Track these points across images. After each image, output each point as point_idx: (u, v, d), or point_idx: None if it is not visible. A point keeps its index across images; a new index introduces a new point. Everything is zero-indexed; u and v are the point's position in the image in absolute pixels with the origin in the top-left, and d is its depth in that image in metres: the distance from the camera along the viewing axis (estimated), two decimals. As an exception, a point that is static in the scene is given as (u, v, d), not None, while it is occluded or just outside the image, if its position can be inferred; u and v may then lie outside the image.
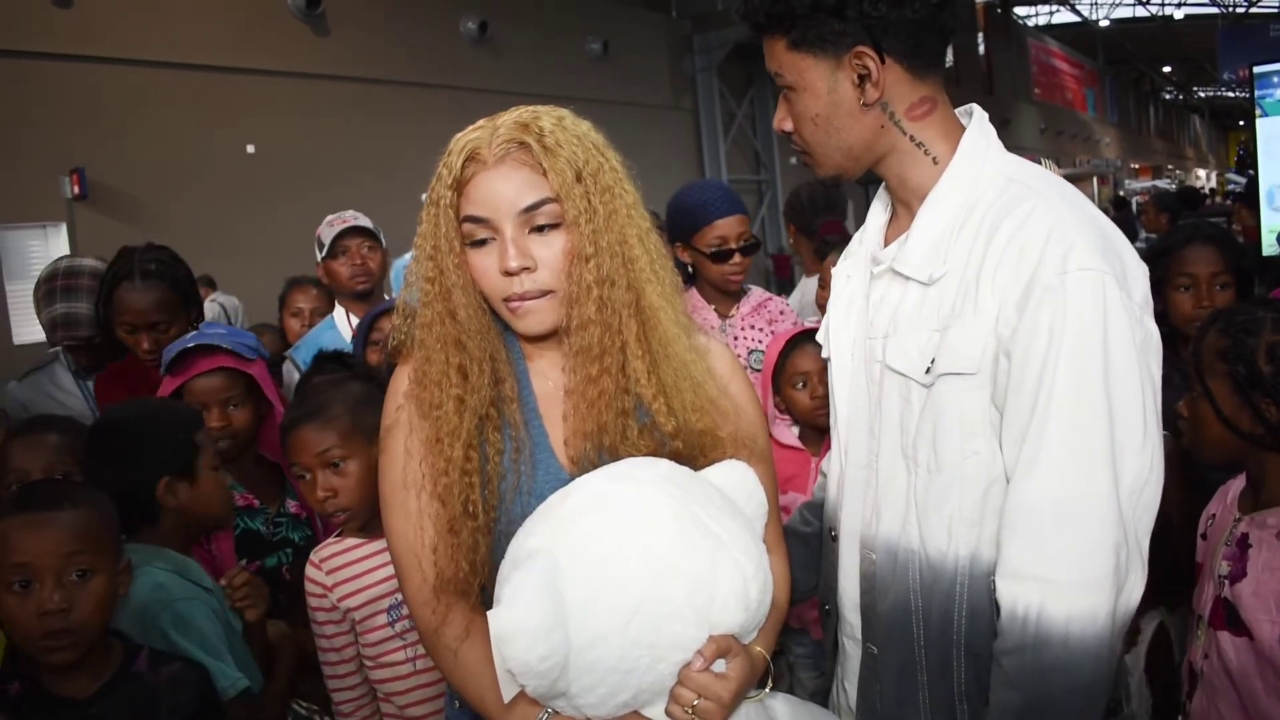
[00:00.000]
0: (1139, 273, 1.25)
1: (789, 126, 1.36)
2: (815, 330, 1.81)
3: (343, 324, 3.14)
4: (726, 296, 2.75)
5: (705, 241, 2.63)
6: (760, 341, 2.72)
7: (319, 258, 3.16)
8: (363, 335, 2.70)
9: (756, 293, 2.83)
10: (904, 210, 1.39)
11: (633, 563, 1.13)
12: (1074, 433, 1.17)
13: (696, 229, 2.64)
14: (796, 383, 2.38)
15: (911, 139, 1.32)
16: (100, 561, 1.50)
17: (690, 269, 2.72)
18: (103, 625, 1.51)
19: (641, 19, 15.06)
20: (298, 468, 1.90)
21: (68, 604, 1.45)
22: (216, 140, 9.62)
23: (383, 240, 3.21)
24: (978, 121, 1.35)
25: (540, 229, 1.24)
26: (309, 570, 1.88)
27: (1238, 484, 1.81)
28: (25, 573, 1.45)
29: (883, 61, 1.27)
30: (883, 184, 1.42)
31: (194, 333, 2.31)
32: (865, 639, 1.40)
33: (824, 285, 3.15)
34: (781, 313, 2.79)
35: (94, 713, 1.47)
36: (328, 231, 3.13)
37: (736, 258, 2.64)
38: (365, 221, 3.15)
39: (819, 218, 3.96)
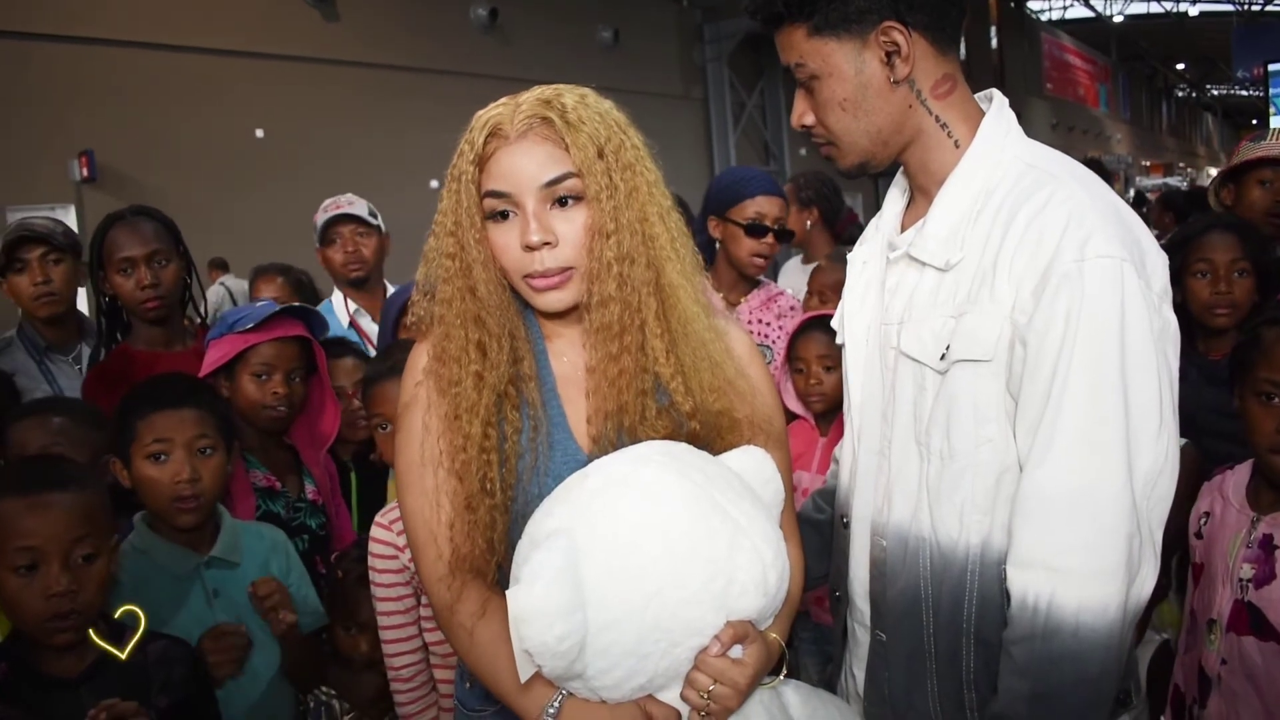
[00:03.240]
0: (1158, 261, 1.23)
1: (810, 120, 1.35)
2: (827, 316, 1.80)
3: (340, 309, 3.09)
4: (740, 283, 2.73)
5: (743, 214, 2.63)
6: (766, 336, 2.70)
7: (316, 244, 3.11)
8: (394, 318, 2.66)
9: (768, 286, 2.82)
10: (922, 196, 1.38)
11: (652, 547, 1.12)
12: (1089, 421, 1.16)
13: (736, 201, 2.65)
14: (798, 366, 2.40)
15: (936, 119, 1.31)
16: (102, 543, 1.51)
17: (715, 246, 2.71)
18: (102, 605, 1.51)
19: (652, 7, 15.01)
20: (379, 419, 2.00)
21: (75, 586, 1.45)
22: (225, 124, 9.62)
23: (380, 225, 3.14)
24: (998, 106, 1.34)
25: (562, 204, 1.24)
26: (376, 532, 1.91)
27: (1232, 479, 1.77)
28: (32, 555, 1.44)
29: (909, 35, 1.26)
30: (900, 170, 1.41)
31: (267, 302, 2.29)
32: (874, 626, 1.40)
33: (813, 293, 3.12)
34: (792, 308, 2.77)
35: (84, 691, 1.46)
36: (321, 217, 3.06)
37: (769, 238, 2.64)
38: (359, 208, 3.07)
39: (845, 206, 3.89)
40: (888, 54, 1.26)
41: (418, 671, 1.90)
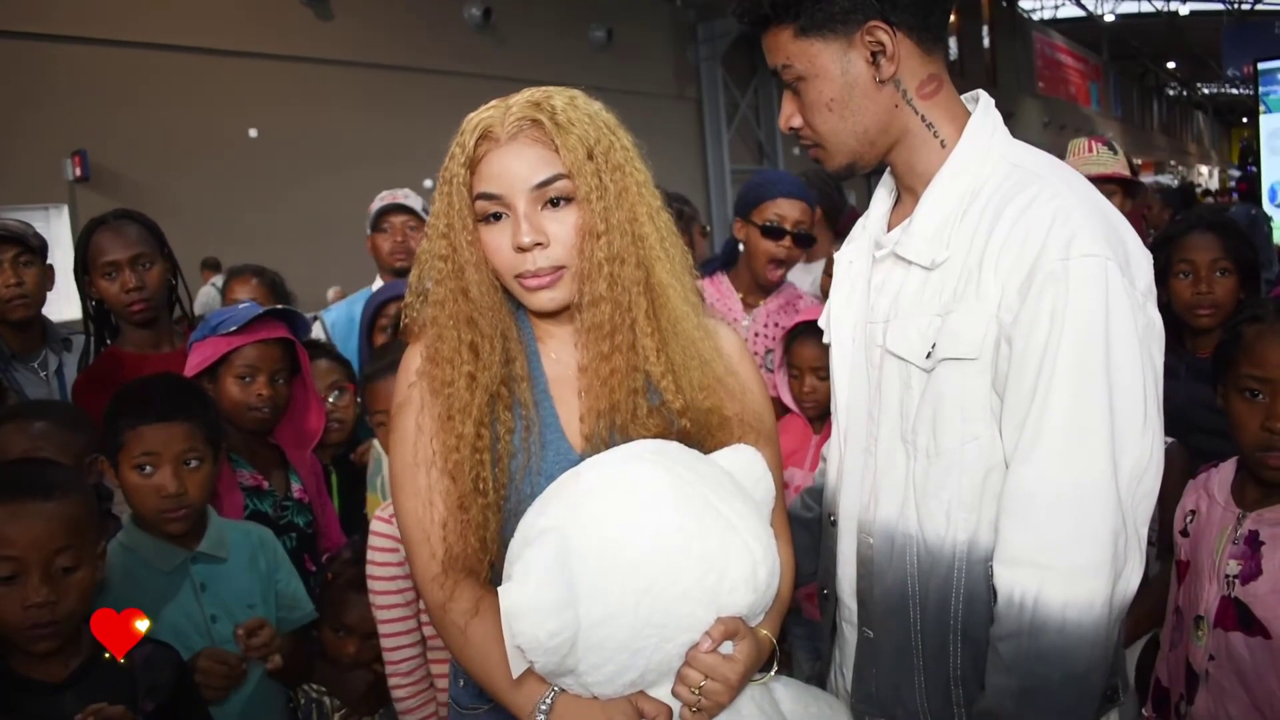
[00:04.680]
0: (1143, 260, 1.24)
1: (797, 122, 1.36)
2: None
3: None
4: (758, 288, 2.71)
5: (763, 215, 2.62)
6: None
7: (368, 231, 3.28)
8: (369, 319, 2.70)
9: (789, 288, 2.79)
10: (909, 196, 1.39)
11: (644, 544, 1.13)
12: (1074, 419, 1.17)
13: (757, 203, 2.64)
14: (793, 372, 2.41)
15: (923, 119, 1.32)
16: (85, 553, 1.48)
17: (739, 248, 2.70)
18: (85, 614, 1.49)
19: (646, 7, 15.02)
20: (380, 415, 2.02)
21: (55, 596, 1.42)
22: (219, 124, 9.61)
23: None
24: (984, 106, 1.35)
25: (553, 205, 1.25)
26: (377, 526, 1.91)
27: (1217, 476, 1.78)
28: (12, 565, 1.41)
29: (894, 34, 1.27)
30: (888, 170, 1.42)
31: (249, 304, 2.30)
32: (861, 623, 1.41)
33: (829, 273, 3.13)
34: (810, 309, 2.76)
35: (69, 696, 1.44)
36: (376, 205, 3.24)
37: (787, 240, 2.61)
38: (413, 201, 3.24)
39: (847, 204, 3.87)
40: (873, 54, 1.27)
41: (416, 666, 1.91)
